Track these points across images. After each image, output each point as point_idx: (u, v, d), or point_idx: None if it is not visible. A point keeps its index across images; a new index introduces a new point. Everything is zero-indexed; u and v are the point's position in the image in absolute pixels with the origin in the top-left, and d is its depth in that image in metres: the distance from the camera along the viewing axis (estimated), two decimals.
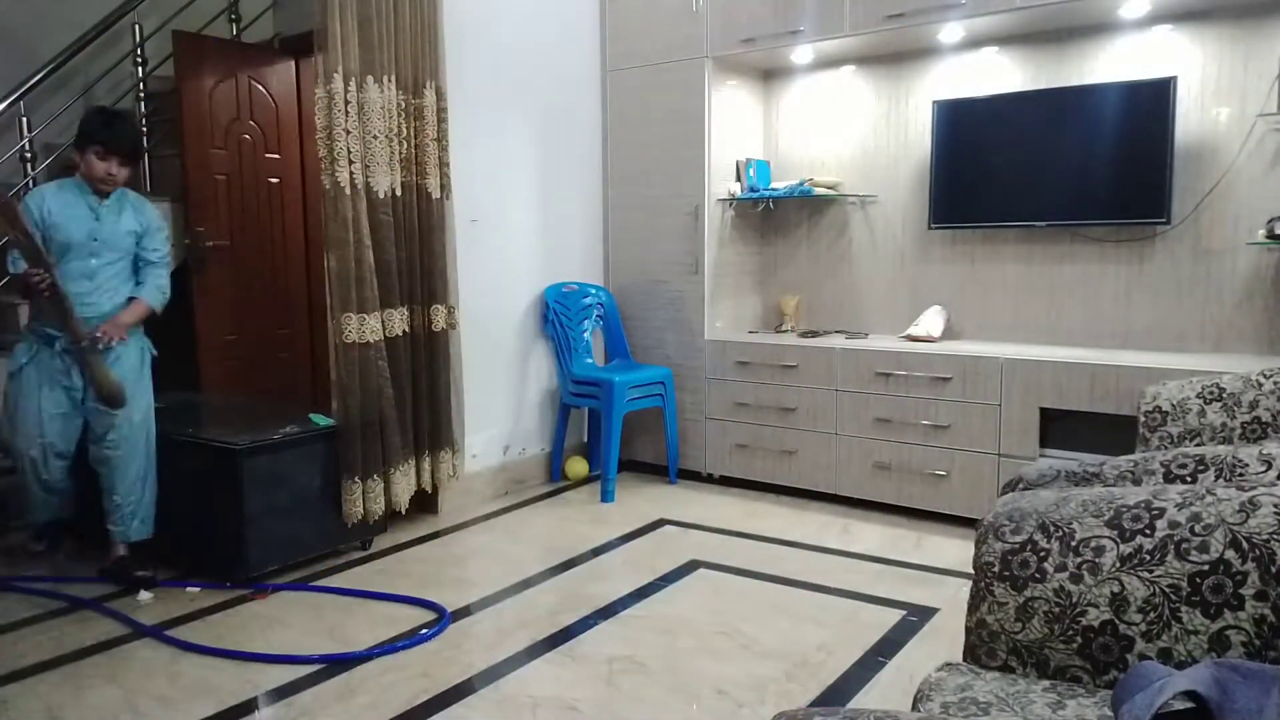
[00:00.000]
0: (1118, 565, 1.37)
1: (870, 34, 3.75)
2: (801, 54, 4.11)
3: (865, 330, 4.22)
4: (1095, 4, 3.34)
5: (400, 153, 3.42)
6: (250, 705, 2.31)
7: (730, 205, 4.33)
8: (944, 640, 2.60)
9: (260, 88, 4.49)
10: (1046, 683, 1.38)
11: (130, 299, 3.07)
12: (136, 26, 4.40)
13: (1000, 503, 1.58)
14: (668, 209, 4.29)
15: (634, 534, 3.60)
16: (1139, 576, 1.35)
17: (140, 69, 4.43)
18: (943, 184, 3.87)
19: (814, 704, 2.28)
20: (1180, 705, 1.06)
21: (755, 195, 4.26)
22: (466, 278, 3.81)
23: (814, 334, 4.19)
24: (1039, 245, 3.78)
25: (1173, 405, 2.43)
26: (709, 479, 4.29)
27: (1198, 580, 1.31)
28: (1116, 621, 1.35)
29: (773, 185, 4.31)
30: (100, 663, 2.54)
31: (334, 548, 3.33)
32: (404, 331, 3.48)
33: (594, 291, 4.43)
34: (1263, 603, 1.26)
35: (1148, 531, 1.37)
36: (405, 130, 3.44)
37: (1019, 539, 1.47)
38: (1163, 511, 1.38)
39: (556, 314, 4.24)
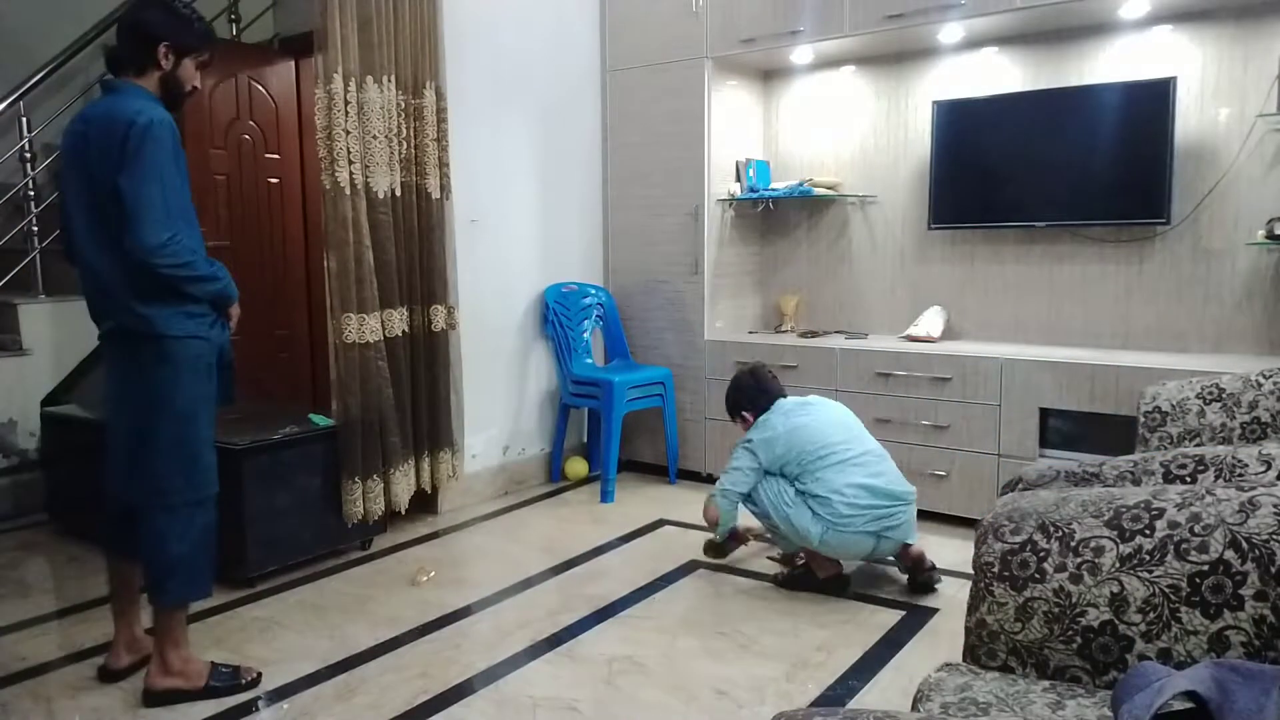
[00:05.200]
0: (1117, 565, 1.37)
1: (870, 34, 3.75)
2: (801, 54, 4.11)
3: (865, 330, 4.22)
4: (1095, 4, 3.34)
5: (400, 153, 3.42)
6: (250, 705, 2.31)
7: (730, 205, 4.33)
8: (944, 640, 2.60)
9: (260, 88, 4.49)
10: (1046, 683, 1.38)
11: None
12: None
13: (1000, 503, 1.58)
14: (668, 209, 4.29)
15: (634, 534, 3.60)
16: (1139, 577, 1.35)
17: None
18: (942, 184, 3.87)
19: (814, 704, 2.28)
20: (1180, 705, 1.05)
21: (755, 195, 4.25)
22: (466, 278, 3.81)
23: (814, 334, 4.19)
24: (1039, 245, 3.78)
25: (1172, 405, 2.44)
26: (709, 479, 4.27)
27: (1197, 580, 1.31)
28: (1116, 622, 1.35)
29: (772, 185, 4.31)
30: (101, 663, 2.53)
31: (334, 548, 3.33)
32: (404, 332, 3.48)
33: (594, 292, 4.43)
34: (1262, 603, 1.26)
35: (1147, 532, 1.37)
36: (405, 130, 3.44)
37: (1019, 539, 1.47)
38: (1162, 512, 1.38)
39: (556, 314, 4.24)
